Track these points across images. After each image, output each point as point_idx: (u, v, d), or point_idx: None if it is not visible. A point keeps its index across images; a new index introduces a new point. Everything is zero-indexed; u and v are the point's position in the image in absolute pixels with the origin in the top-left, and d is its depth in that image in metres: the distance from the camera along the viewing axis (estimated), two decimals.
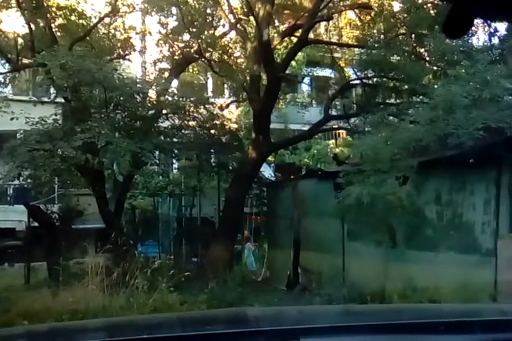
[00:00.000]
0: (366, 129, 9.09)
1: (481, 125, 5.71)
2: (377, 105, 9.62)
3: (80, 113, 9.40)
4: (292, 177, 11.74)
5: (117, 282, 8.69)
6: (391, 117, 9.25)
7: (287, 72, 15.82)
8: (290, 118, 16.24)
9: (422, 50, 8.49)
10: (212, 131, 12.19)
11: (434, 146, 6.65)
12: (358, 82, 10.87)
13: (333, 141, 18.06)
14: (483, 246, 6.48)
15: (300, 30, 10.42)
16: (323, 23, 12.62)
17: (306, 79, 18.90)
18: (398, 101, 9.52)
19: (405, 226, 7.47)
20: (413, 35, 9.04)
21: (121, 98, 9.61)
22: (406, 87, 8.63)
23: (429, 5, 9.18)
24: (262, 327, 1.59)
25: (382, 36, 10.57)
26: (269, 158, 16.76)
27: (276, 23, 12.77)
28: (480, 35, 9.48)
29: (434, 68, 8.15)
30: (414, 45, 8.80)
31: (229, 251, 11.52)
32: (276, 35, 11.26)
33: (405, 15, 9.15)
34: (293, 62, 16.07)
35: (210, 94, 16.80)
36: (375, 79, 10.19)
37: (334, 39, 13.39)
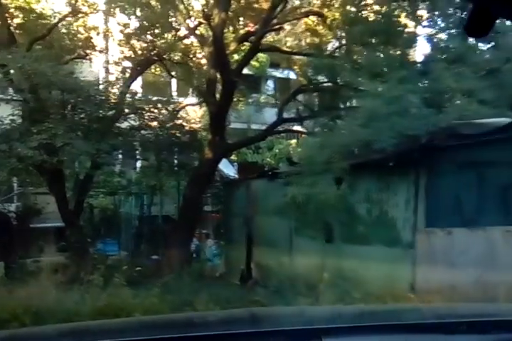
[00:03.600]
0: (316, 131, 9.98)
1: (398, 133, 6.69)
2: (328, 109, 10.56)
3: (38, 114, 10.01)
4: (248, 177, 12.60)
5: (73, 279, 9.39)
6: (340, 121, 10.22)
7: (250, 72, 16.82)
8: (253, 118, 17.09)
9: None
10: (172, 132, 12.97)
11: (363, 150, 7.60)
12: (311, 86, 11.76)
13: (295, 140, 18.95)
14: (405, 239, 7.49)
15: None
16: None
17: (270, 81, 19.93)
18: (345, 106, 10.47)
19: (340, 223, 8.46)
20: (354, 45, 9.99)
21: (79, 99, 10.28)
22: (351, 93, 9.55)
23: (371, 17, 10.16)
24: (284, 327, 1.61)
25: (334, 44, 11.54)
26: (233, 157, 17.68)
27: (244, 25, 13.60)
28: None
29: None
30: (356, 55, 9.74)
31: (186, 247, 12.34)
32: (234, 40, 12.07)
33: (346, 26, 10.09)
34: (256, 64, 17.02)
35: (174, 94, 17.55)
36: (325, 85, 11.10)
37: (293, 44, 14.25)
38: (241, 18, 12.75)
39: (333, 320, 1.72)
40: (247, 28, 12.98)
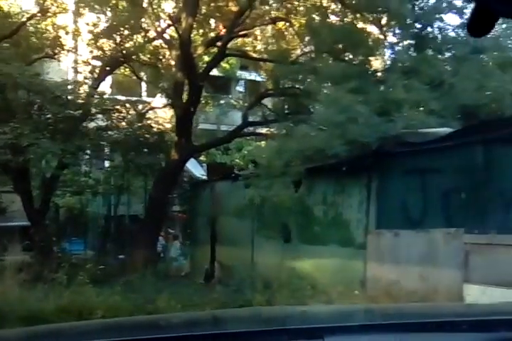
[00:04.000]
0: (276, 135, 10.38)
1: (351, 139, 7.15)
2: (290, 114, 11.00)
3: (4, 114, 10.14)
4: (213, 178, 12.95)
5: (38, 277, 9.57)
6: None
7: (221, 74, 17.16)
8: (223, 119, 17.41)
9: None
10: (140, 132, 13.19)
11: (321, 155, 8.03)
12: (276, 90, 12.17)
13: (264, 142, 19.34)
14: (357, 240, 7.98)
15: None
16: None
17: (241, 82, 20.32)
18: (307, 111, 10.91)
19: (298, 224, 8.91)
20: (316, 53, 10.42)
21: (46, 100, 10.44)
22: (312, 99, 9.97)
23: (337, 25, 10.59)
24: (287, 326, 1.62)
25: (303, 49, 11.93)
26: (202, 158, 17.98)
27: (214, 28, 13.88)
28: None
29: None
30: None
31: (152, 247, 12.61)
32: (202, 43, 12.39)
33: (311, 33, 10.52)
34: (226, 66, 17.36)
35: (143, 95, 17.74)
36: (290, 90, 11.52)
37: (262, 48, 14.62)
38: (212, 21, 13.04)
39: (335, 319, 1.73)
40: (216, 32, 13.34)
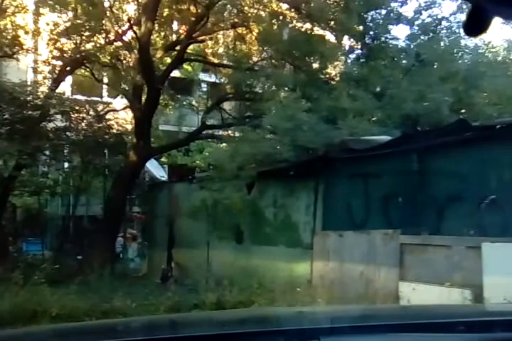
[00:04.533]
0: (231, 139, 10.78)
1: (298, 145, 7.61)
2: (246, 118, 11.40)
3: None
4: (171, 180, 13.24)
5: None
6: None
7: (183, 76, 17.40)
8: (185, 121, 17.66)
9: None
10: (99, 134, 13.35)
11: (271, 159, 8.47)
12: (234, 95, 12.57)
13: (225, 144, 19.66)
14: (305, 241, 8.45)
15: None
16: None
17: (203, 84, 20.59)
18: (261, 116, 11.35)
19: (250, 226, 9.34)
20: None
21: (3, 101, 10.54)
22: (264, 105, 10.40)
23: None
24: (282, 327, 1.62)
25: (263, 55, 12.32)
26: (163, 160, 18.19)
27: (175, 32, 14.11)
28: None
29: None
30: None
31: (110, 247, 12.79)
32: (162, 47, 12.66)
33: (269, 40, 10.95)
34: (189, 68, 17.63)
35: (104, 96, 17.79)
36: (247, 95, 11.93)
37: (223, 52, 14.95)
38: (174, 23, 13.31)
39: (332, 320, 1.73)
40: (178, 35, 13.60)
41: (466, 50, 11.46)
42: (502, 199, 6.05)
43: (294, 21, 11.94)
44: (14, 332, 2.14)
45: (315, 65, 10.51)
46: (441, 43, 11.08)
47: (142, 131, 11.83)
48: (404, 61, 9.12)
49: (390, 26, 11.11)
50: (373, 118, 8.00)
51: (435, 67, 9.02)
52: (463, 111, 9.59)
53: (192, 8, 13.31)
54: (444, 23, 11.43)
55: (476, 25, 1.13)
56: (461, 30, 12.01)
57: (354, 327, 1.62)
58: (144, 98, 12.09)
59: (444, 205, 6.67)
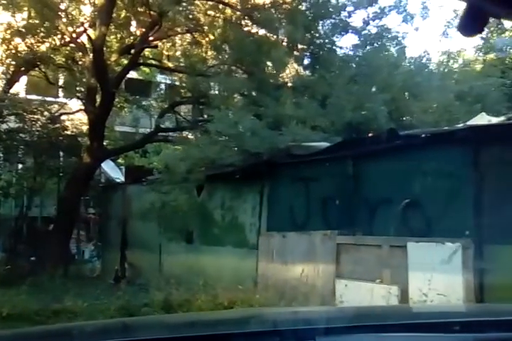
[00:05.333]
0: (181, 142, 11.13)
1: (244, 150, 8.06)
2: (198, 122, 11.78)
3: None
4: (126, 181, 13.49)
5: None
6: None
7: (140, 77, 17.59)
8: (142, 122, 17.84)
9: None
10: (53, 135, 13.45)
11: (219, 163, 8.88)
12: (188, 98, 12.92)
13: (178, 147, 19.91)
14: (251, 241, 8.91)
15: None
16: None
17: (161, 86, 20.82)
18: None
19: (199, 227, 9.75)
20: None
21: None
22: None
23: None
24: (278, 328, 1.64)
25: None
26: (120, 161, 18.33)
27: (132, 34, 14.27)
28: None
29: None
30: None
31: (64, 248, 12.94)
32: (116, 51, 12.88)
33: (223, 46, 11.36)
34: (146, 69, 17.84)
35: (60, 97, 17.78)
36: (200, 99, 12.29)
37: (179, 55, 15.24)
38: (130, 26, 13.53)
39: (327, 321, 1.74)
40: (134, 37, 13.82)
41: (412, 61, 12.19)
42: (425, 201, 6.66)
43: (247, 28, 12.38)
44: (14, 332, 2.15)
45: (266, 72, 10.95)
46: (386, 53, 11.77)
47: (96, 133, 12.04)
48: (348, 70, 9.66)
49: (337, 36, 11.72)
50: (316, 125, 8.50)
51: (376, 76, 9.58)
52: (405, 118, 10.26)
53: (147, 12, 13.62)
54: (390, 33, 12.14)
55: (471, 25, 1.14)
56: (405, 41, 12.74)
57: (350, 327, 1.64)
58: (99, 100, 12.32)
59: (375, 208, 7.24)
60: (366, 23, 12.00)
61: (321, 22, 11.50)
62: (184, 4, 10.93)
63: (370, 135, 8.00)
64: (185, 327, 1.93)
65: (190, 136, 12.28)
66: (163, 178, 8.77)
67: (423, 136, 6.59)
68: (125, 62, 13.29)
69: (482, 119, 7.79)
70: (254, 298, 6.63)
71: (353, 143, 7.51)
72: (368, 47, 11.32)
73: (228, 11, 12.89)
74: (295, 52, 10.43)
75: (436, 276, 6.23)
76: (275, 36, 11.49)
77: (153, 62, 13.79)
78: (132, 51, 11.96)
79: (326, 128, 8.61)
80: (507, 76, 14.67)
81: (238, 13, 12.59)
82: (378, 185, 7.24)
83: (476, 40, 16.40)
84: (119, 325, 2.14)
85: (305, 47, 10.33)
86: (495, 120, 7.47)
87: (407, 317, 1.90)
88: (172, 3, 9.43)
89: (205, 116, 12.78)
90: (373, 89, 9.02)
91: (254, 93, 9.52)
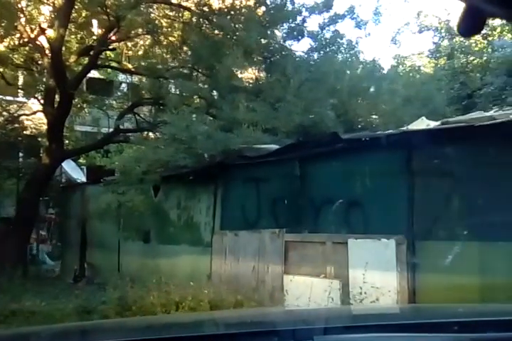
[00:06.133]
0: (139, 143, 11.40)
1: (197, 152, 8.44)
2: (156, 124, 12.07)
3: None
4: (85, 182, 13.68)
5: None
6: None
7: (102, 76, 17.70)
8: (102, 123, 17.94)
9: None
10: (12, 135, 13.55)
11: (175, 164, 9.23)
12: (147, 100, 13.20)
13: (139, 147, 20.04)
14: (205, 240, 9.31)
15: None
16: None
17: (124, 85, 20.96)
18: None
19: (156, 226, 10.10)
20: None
21: None
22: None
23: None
24: (276, 328, 1.66)
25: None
26: (81, 161, 18.41)
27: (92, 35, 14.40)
28: None
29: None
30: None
31: (22, 249, 13.05)
32: (75, 52, 13.05)
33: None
34: (108, 69, 17.96)
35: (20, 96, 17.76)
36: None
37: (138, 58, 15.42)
38: (92, 25, 13.70)
39: (325, 321, 1.77)
40: (94, 38, 13.99)
41: (363, 65, 12.75)
42: (364, 201, 7.18)
43: (207, 31, 12.71)
44: (14, 332, 2.17)
45: (222, 75, 11.31)
46: (340, 58, 12.30)
47: (55, 134, 12.20)
48: (300, 74, 10.08)
49: (293, 40, 12.20)
50: (268, 128, 8.94)
51: (327, 80, 10.06)
52: (355, 121, 10.80)
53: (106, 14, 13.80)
54: (343, 38, 12.67)
55: (470, 25, 1.15)
56: (359, 46, 13.30)
57: (348, 327, 1.68)
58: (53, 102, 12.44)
59: (320, 207, 7.73)
60: (321, 27, 12.51)
61: (277, 26, 11.94)
62: (142, 8, 11.19)
63: (314, 138, 8.48)
64: (184, 327, 1.95)
65: (152, 136, 12.55)
66: (120, 179, 9.08)
67: (362, 139, 7.10)
68: (86, 62, 13.51)
69: (422, 123, 8.38)
70: (204, 294, 7.01)
71: (300, 145, 7.98)
72: (322, 52, 11.81)
73: (187, 14, 13.23)
74: (252, 56, 10.81)
75: (373, 270, 6.77)
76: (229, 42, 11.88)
77: (113, 63, 13.93)
78: (92, 52, 12.14)
79: (277, 131, 9.06)
80: (456, 79, 15.49)
81: (196, 16, 12.93)
82: (322, 185, 7.73)
83: (428, 44, 17.10)
84: (119, 325, 2.17)
85: (261, 51, 10.70)
86: (433, 124, 8.05)
87: (406, 317, 1.93)
88: (128, 7, 9.69)
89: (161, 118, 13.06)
90: (323, 93, 9.47)
91: (210, 96, 9.89)
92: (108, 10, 11.20)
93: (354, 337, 1.60)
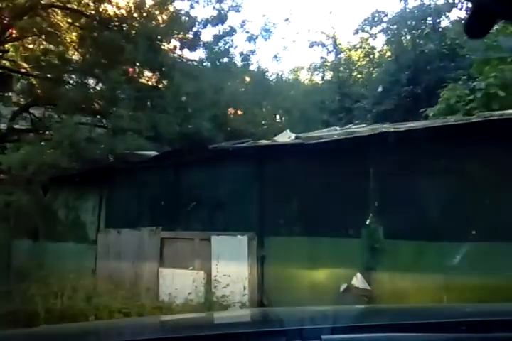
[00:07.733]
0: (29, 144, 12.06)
1: (84, 155, 9.48)
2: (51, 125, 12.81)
3: None
4: None
5: None
6: None
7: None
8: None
9: None
10: None
11: (60, 167, 10.09)
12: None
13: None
14: (91, 237, 10.37)
15: None
16: None
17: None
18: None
19: (46, 225, 11.00)
20: None
21: None
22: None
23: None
24: (284, 327, 1.70)
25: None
26: None
27: None
28: None
29: None
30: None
31: None
32: None
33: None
34: (6, 62, 18.20)
35: None
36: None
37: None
38: None
39: (333, 320, 1.78)
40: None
41: (251, 77, 14.13)
42: (226, 203, 8.57)
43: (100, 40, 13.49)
44: (14, 333, 2.21)
45: (114, 82, 12.22)
46: (232, 69, 13.59)
47: None
48: (186, 85, 11.08)
49: (187, 51, 13.38)
50: (150, 136, 10.11)
51: (210, 91, 11.26)
52: (235, 130, 11.99)
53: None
54: (235, 50, 14.03)
55: (478, 26, 1.15)
56: (251, 59, 14.73)
57: (355, 326, 1.70)
58: None
59: (191, 208, 9.05)
60: (216, 39, 13.78)
61: (170, 38, 13.05)
62: (35, 13, 11.88)
63: (187, 147, 9.78)
64: (191, 327, 1.98)
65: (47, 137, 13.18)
66: (7, 180, 9.89)
67: (224, 149, 8.50)
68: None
69: (285, 136, 9.92)
70: (80, 284, 8.12)
71: (175, 153, 9.26)
72: (217, 63, 13.01)
73: (84, 19, 13.94)
74: (141, 68, 11.83)
75: (230, 261, 8.19)
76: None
77: (8, 63, 14.44)
78: None
79: (160, 139, 10.27)
80: (341, 92, 17.44)
81: (94, 22, 13.71)
82: (193, 189, 9.06)
83: (316, 58, 18.83)
84: (120, 325, 2.21)
85: (150, 62, 11.65)
86: (293, 136, 9.60)
87: (412, 317, 1.97)
88: (17, 16, 10.44)
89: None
90: (204, 104, 10.72)
91: (100, 102, 10.87)
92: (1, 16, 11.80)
93: (362, 336, 1.65)
